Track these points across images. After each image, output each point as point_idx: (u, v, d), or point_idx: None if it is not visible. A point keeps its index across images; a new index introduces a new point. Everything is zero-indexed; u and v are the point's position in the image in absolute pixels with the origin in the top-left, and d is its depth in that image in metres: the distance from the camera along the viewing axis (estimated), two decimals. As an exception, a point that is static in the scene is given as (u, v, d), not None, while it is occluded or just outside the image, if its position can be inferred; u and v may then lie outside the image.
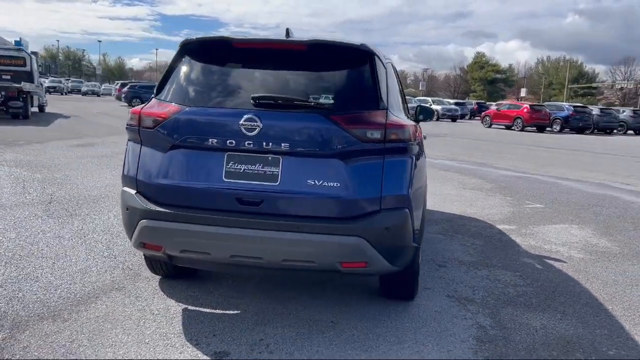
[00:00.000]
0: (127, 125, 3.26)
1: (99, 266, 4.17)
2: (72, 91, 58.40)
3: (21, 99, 18.49)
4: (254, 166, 2.96)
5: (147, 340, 3.01)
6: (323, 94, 3.14)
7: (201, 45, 3.31)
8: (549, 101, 54.21)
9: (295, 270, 3.13)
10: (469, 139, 19.43)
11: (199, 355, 2.87)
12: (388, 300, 3.70)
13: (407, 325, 3.34)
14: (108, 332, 3.08)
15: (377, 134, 2.93)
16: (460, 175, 10.33)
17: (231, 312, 3.44)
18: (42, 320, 3.20)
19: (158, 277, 3.96)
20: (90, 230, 5.15)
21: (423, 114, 4.36)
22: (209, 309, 3.47)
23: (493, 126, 32.13)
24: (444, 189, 8.53)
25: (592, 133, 31.97)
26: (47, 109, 23.85)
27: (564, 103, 37.27)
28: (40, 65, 37.43)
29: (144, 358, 2.83)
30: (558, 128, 30.89)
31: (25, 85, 18.83)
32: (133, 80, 51.77)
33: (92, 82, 68.24)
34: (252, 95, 2.98)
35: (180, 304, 3.53)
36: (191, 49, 3.30)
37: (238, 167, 2.97)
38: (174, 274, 3.86)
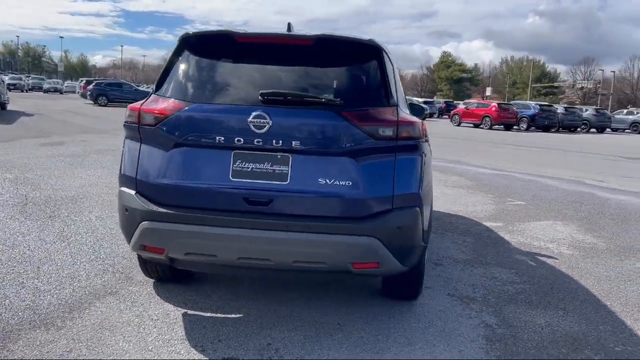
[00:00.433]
0: (125, 122, 3.11)
1: (87, 270, 3.99)
2: (33, 88, 56.48)
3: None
4: (262, 165, 2.86)
5: (150, 348, 2.88)
6: (331, 90, 3.05)
7: (202, 40, 3.18)
8: (514, 100, 55.31)
9: (303, 271, 3.05)
10: (440, 137, 19.60)
11: (207, 362, 2.76)
12: (390, 300, 3.65)
13: (415, 326, 3.29)
14: (108, 340, 2.93)
15: (389, 131, 2.87)
16: (439, 173, 10.39)
17: (233, 315, 3.32)
18: (35, 329, 3.02)
19: (151, 281, 3.81)
20: (73, 233, 4.94)
21: (414, 111, 4.31)
22: (210, 312, 3.35)
23: (462, 124, 32.56)
24: (426, 187, 8.53)
25: (557, 131, 32.73)
26: (9, 107, 23.02)
27: (531, 102, 38.08)
28: (-1, 62, 36.11)
29: (150, 366, 2.70)
30: (525, 126, 31.50)
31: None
32: (99, 78, 50.48)
33: (54, 79, 66.23)
34: (260, 91, 2.87)
35: (179, 308, 3.39)
36: (191, 44, 3.16)
37: (246, 166, 2.86)
38: (169, 277, 3.71)
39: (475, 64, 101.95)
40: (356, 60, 3.11)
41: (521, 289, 4.04)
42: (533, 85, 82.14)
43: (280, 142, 2.81)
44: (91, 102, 33.44)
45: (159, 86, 3.12)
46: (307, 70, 3.14)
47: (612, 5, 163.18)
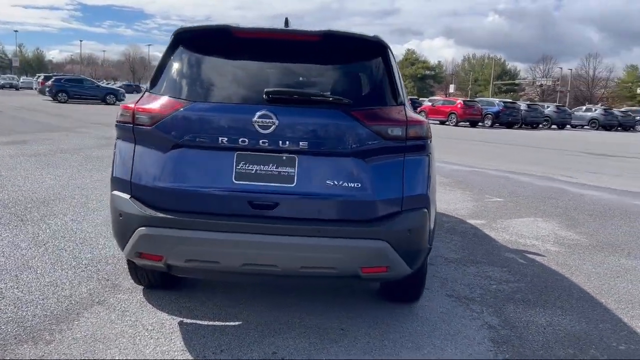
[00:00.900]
0: (118, 122, 2.93)
1: (70, 278, 3.77)
2: (-14, 84, 54.36)
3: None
4: (267, 166, 2.73)
5: (149, 361, 2.72)
6: (337, 88, 2.94)
7: (199, 35, 3.03)
8: (476, 97, 56.31)
9: (306, 277, 2.93)
10: (410, 134, 19.72)
11: (212, 374, 2.62)
12: (389, 302, 3.58)
13: (419, 329, 3.22)
14: (102, 354, 2.75)
15: (398, 131, 2.78)
16: (415, 170, 10.39)
17: (232, 323, 3.19)
18: (22, 343, 2.82)
19: (140, 288, 3.63)
20: (49, 237, 4.68)
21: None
22: (207, 321, 3.20)
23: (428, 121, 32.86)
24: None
25: (520, 128, 33.44)
26: (-36, 104, 22.03)
27: (495, 99, 38.83)
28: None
29: (152, 381, 2.55)
30: (489, 123, 32.08)
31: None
32: (57, 73, 48.83)
33: (9, 75, 63.87)
34: (265, 89, 2.73)
35: (174, 317, 3.23)
36: (187, 39, 3.01)
37: (250, 168, 2.73)
38: (159, 284, 3.54)
39: (439, 62, 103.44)
40: (362, 58, 3.01)
41: (517, 288, 4.03)
42: (494, 83, 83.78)
43: (287, 142, 2.69)
44: (50, 98, 32.32)
45: (153, 84, 2.95)
46: (312, 67, 3.02)
47: (567, 5, 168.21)
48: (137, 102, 2.89)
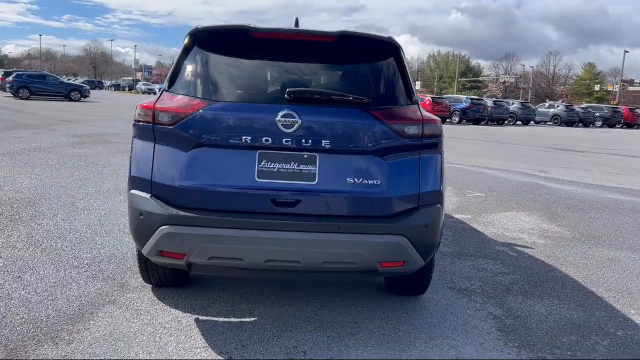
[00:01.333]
0: (136, 121, 2.93)
1: (75, 278, 3.74)
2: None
3: None
4: (288, 165, 2.78)
5: (174, 358, 2.75)
6: (354, 88, 3.01)
7: (216, 35, 3.05)
8: (441, 94, 57.18)
9: (325, 272, 3.00)
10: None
11: (238, 369, 2.67)
12: (396, 296, 3.68)
13: (429, 321, 3.34)
14: (126, 352, 2.77)
15: (414, 129, 2.88)
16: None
17: (248, 319, 3.23)
18: (41, 344, 2.81)
19: (148, 287, 3.63)
20: (43, 238, 4.62)
21: None
22: (222, 317, 3.24)
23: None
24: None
25: (486, 124, 34.15)
26: None
27: (462, 96, 39.51)
28: None
29: (180, 378, 2.58)
30: (457, 119, 32.66)
31: None
32: (18, 69, 47.25)
33: (-35, 71, 61.47)
34: (288, 89, 2.79)
35: (189, 314, 3.26)
36: (203, 39, 3.03)
37: (272, 166, 2.78)
38: (170, 282, 3.55)
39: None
40: (377, 58, 3.09)
41: (513, 280, 4.19)
42: (459, 80, 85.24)
43: (310, 141, 2.76)
44: (11, 95, 31.31)
45: (171, 83, 2.96)
46: (328, 67, 3.09)
47: (527, 4, 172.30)
48: (156, 102, 2.90)
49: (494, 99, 40.29)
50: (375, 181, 2.81)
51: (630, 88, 77.92)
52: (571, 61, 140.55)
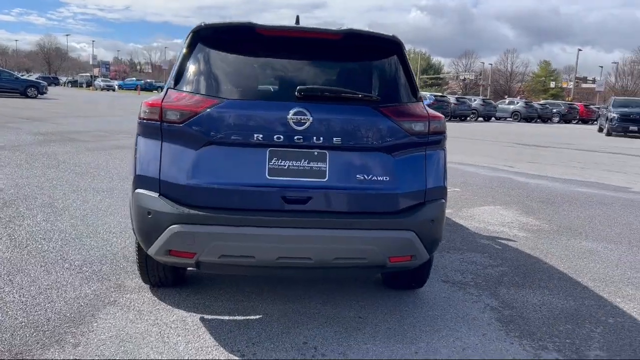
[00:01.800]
0: (142, 119, 2.88)
1: (68, 280, 3.65)
2: None
3: None
4: (299, 162, 2.80)
5: (186, 358, 2.72)
6: (361, 85, 3.04)
7: (221, 32, 3.03)
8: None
9: (336, 268, 3.02)
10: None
11: (253, 367, 2.67)
12: (392, 289, 3.74)
13: (431, 314, 3.41)
14: (137, 353, 2.73)
15: (421, 126, 2.94)
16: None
17: (253, 317, 3.23)
18: (47, 348, 2.74)
19: (146, 287, 3.58)
20: (26, 239, 4.48)
21: None
22: (227, 315, 3.23)
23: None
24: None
25: (449, 120, 34.76)
26: None
27: (426, 92, 40.08)
28: None
29: (196, 377, 2.56)
30: (421, 116, 33.10)
31: None
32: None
33: None
34: (298, 87, 2.79)
35: (193, 313, 3.23)
36: (207, 36, 3.00)
37: (282, 164, 2.78)
38: (170, 281, 3.51)
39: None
40: (382, 56, 3.12)
41: (502, 272, 4.31)
42: (420, 77, 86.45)
43: (321, 139, 2.77)
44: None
45: (177, 80, 2.92)
46: (335, 65, 3.11)
47: (484, 2, 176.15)
48: (163, 99, 2.85)
49: (456, 96, 41.02)
50: (384, 177, 2.86)
51: (584, 85, 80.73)
52: (528, 59, 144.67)
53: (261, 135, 2.75)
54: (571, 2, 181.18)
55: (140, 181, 2.87)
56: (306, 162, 2.80)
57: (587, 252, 5.02)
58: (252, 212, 2.75)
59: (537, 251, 4.96)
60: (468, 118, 36.69)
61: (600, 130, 28.32)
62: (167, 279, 3.45)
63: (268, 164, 2.78)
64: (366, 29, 3.27)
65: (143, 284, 3.60)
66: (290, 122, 2.75)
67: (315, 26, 3.07)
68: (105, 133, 13.45)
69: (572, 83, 71.34)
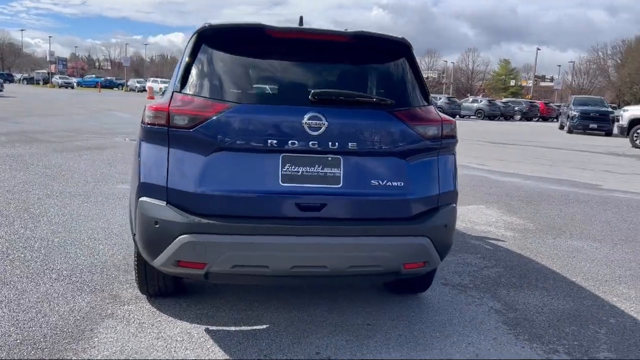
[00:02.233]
0: (147, 124, 2.73)
1: (59, 291, 3.47)
2: None
3: None
4: (312, 168, 2.71)
5: (198, 373, 2.61)
6: (373, 89, 2.98)
7: (228, 33, 2.91)
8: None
9: (350, 276, 2.95)
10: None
11: (269, 381, 2.58)
12: (395, 294, 3.70)
13: (438, 319, 3.38)
14: (146, 371, 2.60)
15: (434, 130, 2.89)
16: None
17: (260, 327, 3.13)
18: (48, 368, 2.58)
19: (143, 298, 3.43)
20: (7, 248, 4.25)
21: None
22: (233, 326, 3.12)
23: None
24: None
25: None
26: None
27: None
28: None
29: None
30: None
31: None
32: None
33: None
34: (312, 91, 2.70)
35: (196, 325, 3.11)
36: (213, 37, 2.88)
37: (295, 170, 2.69)
38: (170, 291, 3.37)
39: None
40: (392, 58, 3.06)
41: (498, 273, 4.33)
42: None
43: (336, 144, 2.70)
44: None
45: (183, 84, 2.79)
46: (346, 68, 3.03)
47: (443, 2, 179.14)
48: (170, 104, 2.72)
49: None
50: (398, 183, 2.80)
51: (542, 83, 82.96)
52: (488, 57, 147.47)
53: (275, 141, 2.65)
54: (529, 2, 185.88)
55: (145, 189, 2.73)
56: (320, 168, 2.72)
57: (575, 251, 5.10)
58: (266, 220, 2.66)
59: (527, 251, 5.01)
60: (433, 116, 37.10)
61: (562, 127, 29.11)
62: (167, 288, 3.31)
63: (281, 170, 2.68)
64: (370, 30, 3.20)
65: (139, 294, 3.45)
66: (305, 127, 2.66)
67: (324, 28, 3.00)
68: (71, 133, 13.00)
69: (531, 81, 73.21)
